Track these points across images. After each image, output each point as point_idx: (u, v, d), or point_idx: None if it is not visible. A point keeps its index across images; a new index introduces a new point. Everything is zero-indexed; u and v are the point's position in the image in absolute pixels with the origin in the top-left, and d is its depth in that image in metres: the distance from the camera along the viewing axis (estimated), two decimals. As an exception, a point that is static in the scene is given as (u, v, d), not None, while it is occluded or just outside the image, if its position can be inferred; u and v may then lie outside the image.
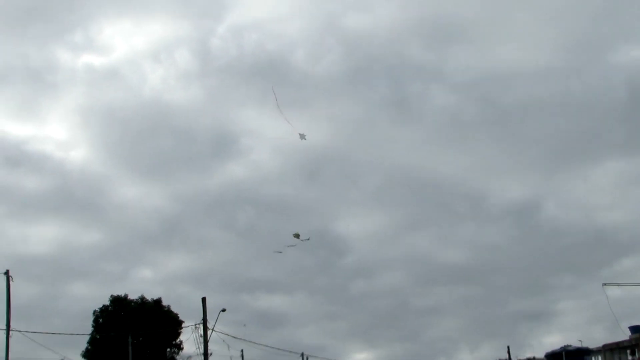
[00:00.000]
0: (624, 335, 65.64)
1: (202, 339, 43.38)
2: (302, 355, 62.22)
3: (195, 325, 44.48)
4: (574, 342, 73.31)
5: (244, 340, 48.42)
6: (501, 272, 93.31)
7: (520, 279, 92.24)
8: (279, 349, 54.91)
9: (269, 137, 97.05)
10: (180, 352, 56.33)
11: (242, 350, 56.90)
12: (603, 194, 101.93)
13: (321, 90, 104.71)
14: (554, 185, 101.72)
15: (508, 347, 71.92)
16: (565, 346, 73.02)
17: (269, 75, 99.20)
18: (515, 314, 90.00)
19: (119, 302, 56.29)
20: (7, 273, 41.13)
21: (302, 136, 38.37)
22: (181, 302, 75.42)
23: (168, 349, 56.30)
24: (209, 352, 43.83)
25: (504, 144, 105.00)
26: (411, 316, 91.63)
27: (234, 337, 46.35)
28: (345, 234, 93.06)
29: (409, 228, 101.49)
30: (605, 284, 48.03)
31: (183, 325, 54.83)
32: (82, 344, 54.65)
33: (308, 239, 41.30)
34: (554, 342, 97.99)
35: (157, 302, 57.15)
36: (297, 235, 40.52)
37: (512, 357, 72.42)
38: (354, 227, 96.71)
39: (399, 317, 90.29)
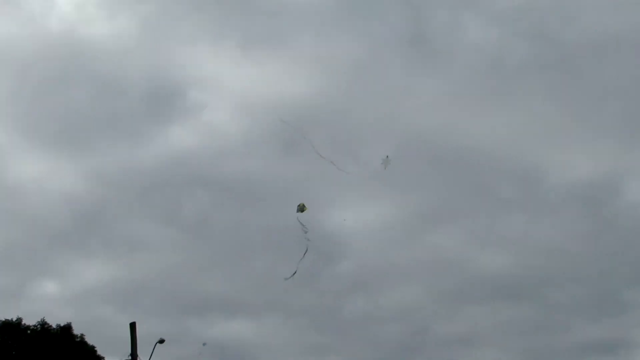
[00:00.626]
0: None
1: (130, 382, 36.62)
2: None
3: (121, 362, 37.21)
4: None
5: (192, 384, 40.35)
6: (562, 285, 73.43)
7: (589, 294, 73.15)
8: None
9: (230, 88, 79.89)
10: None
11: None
12: None
13: (306, 21, 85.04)
14: (637, 158, 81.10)
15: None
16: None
17: None
18: (582, 343, 70.42)
19: (9, 330, 47.75)
20: None
21: (386, 161, 32.48)
22: (100, 329, 60.40)
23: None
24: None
25: (566, 99, 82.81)
26: (433, 347, 71.18)
27: (177, 379, 38.45)
28: (339, 230, 69.34)
29: (431, 221, 78.80)
30: None
31: (103, 362, 48.73)
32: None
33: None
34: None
35: (66, 329, 48.77)
36: (302, 208, 30.17)
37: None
38: (351, 219, 73.09)
39: (416, 349, 70.49)
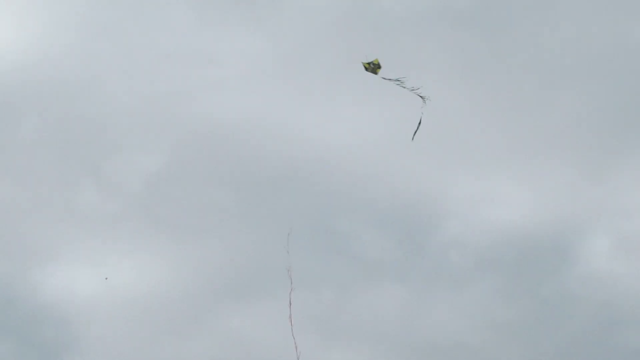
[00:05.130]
0: None
1: None
2: None
3: None
4: None
5: None
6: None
7: None
8: None
9: None
10: None
11: None
12: None
13: None
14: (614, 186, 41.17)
15: None
16: None
17: None
18: None
19: None
20: None
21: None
22: None
23: None
24: None
25: (482, 72, 40.22)
26: None
27: None
28: (67, 301, 32.97)
29: (235, 292, 36.56)
30: None
31: None
32: None
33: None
34: None
35: None
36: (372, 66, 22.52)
37: None
38: (100, 284, 33.96)
39: None
